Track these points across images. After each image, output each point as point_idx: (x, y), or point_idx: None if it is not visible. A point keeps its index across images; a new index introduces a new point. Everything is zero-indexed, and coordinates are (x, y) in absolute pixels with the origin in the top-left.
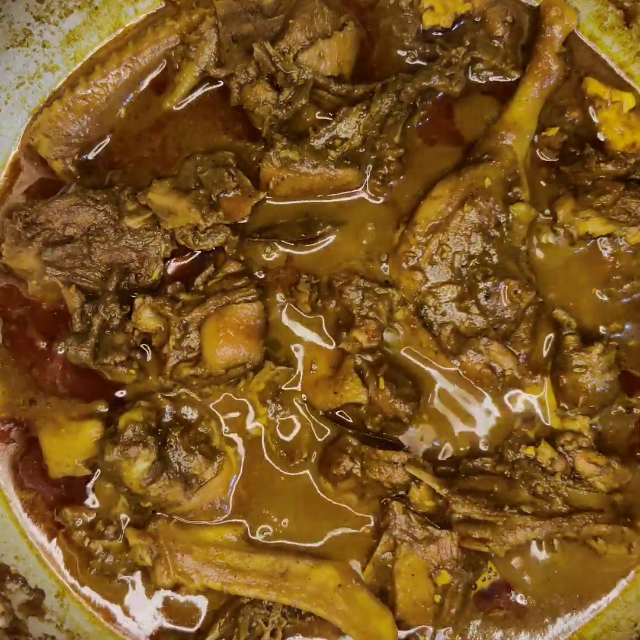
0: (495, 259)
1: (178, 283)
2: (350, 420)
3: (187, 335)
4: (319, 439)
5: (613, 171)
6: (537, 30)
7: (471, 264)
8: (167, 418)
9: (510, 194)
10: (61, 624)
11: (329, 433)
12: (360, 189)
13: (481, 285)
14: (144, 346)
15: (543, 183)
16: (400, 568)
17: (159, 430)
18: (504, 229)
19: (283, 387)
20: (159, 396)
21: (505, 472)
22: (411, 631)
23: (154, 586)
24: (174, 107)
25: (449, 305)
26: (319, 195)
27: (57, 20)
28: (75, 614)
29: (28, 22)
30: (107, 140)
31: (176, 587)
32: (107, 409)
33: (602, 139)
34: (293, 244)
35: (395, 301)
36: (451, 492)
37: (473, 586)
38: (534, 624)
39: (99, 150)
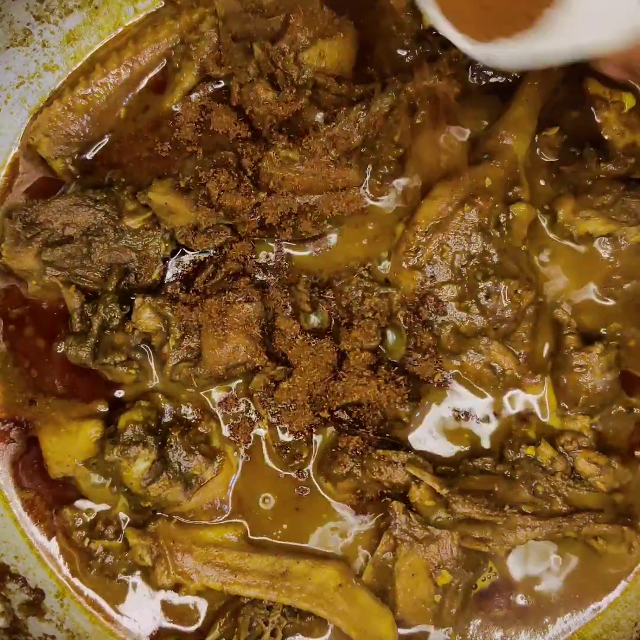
0: (495, 259)
1: (178, 283)
2: (351, 420)
3: (187, 335)
4: (319, 439)
5: (613, 171)
6: None
7: (471, 263)
8: (167, 418)
9: (510, 193)
10: (61, 624)
11: (329, 433)
12: (360, 189)
13: (481, 285)
14: (144, 346)
15: (543, 183)
16: (400, 568)
17: (159, 430)
18: (504, 228)
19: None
20: (159, 396)
21: (506, 472)
22: (412, 630)
23: (154, 586)
24: (174, 107)
25: (449, 304)
26: (319, 195)
27: (57, 19)
28: (75, 614)
29: (28, 22)
30: (107, 139)
31: (176, 587)
32: (107, 409)
33: (603, 138)
34: (294, 244)
35: (395, 301)
36: (451, 492)
37: (473, 586)
38: (534, 624)
39: (99, 149)
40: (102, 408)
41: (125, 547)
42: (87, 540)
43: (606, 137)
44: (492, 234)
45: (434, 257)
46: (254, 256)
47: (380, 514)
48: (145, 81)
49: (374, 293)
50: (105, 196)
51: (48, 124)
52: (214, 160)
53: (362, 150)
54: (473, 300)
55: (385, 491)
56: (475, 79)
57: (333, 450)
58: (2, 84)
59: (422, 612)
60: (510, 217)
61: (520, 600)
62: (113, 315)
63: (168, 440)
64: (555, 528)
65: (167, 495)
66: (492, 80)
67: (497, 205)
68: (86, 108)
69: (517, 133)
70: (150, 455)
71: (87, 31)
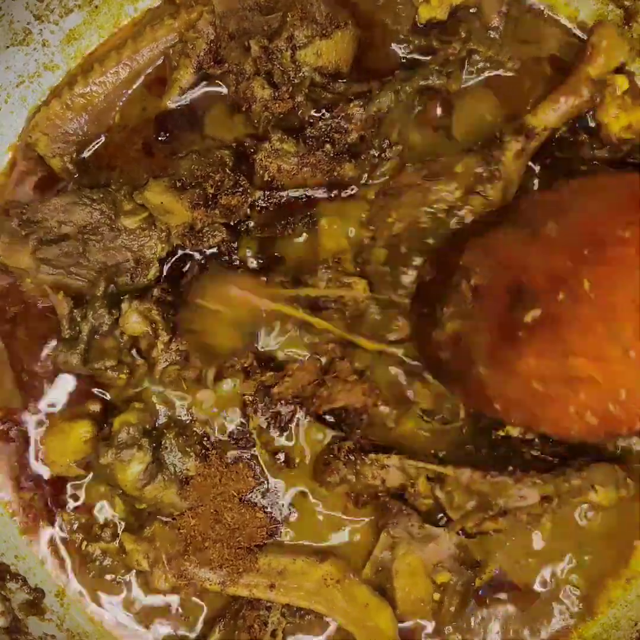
0: (431, 241)
1: (164, 286)
2: (342, 424)
3: (175, 338)
4: (312, 444)
5: (607, 157)
6: (583, 51)
7: (408, 235)
8: (162, 420)
9: (479, 188)
10: (61, 623)
11: (321, 437)
12: (357, 185)
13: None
14: (134, 350)
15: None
16: (398, 567)
17: (154, 431)
18: (453, 218)
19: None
20: (154, 398)
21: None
22: (409, 623)
23: (152, 590)
24: (172, 105)
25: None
26: (316, 190)
27: (57, 19)
28: (75, 614)
29: (28, 21)
30: (104, 138)
31: (174, 590)
32: (99, 408)
33: (594, 123)
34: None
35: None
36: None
37: (472, 583)
38: (535, 620)
39: (96, 149)
40: (95, 408)
41: (122, 550)
42: (84, 543)
43: (604, 121)
44: (439, 216)
45: (386, 219)
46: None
47: (379, 513)
48: (143, 80)
49: (338, 283)
50: (102, 195)
51: (46, 122)
52: (210, 160)
53: (359, 147)
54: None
55: (380, 494)
56: (473, 72)
57: (325, 457)
58: (2, 84)
59: (421, 610)
60: (462, 211)
61: (520, 596)
62: (102, 320)
63: (163, 442)
64: (560, 478)
65: (163, 497)
66: (488, 74)
67: (457, 191)
68: (84, 107)
69: (525, 139)
70: (145, 458)
71: (87, 31)
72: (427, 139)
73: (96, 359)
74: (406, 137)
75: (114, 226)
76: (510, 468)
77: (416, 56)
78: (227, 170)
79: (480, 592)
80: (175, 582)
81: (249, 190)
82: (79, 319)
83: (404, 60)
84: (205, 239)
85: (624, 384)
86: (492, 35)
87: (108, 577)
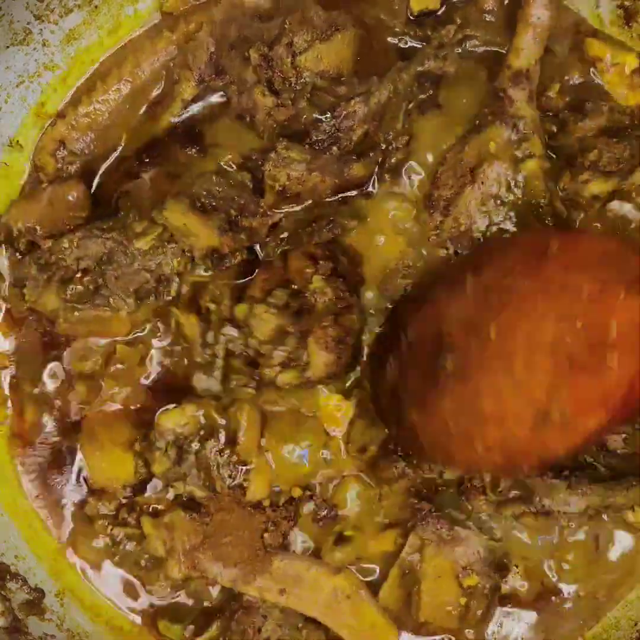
0: (512, 224)
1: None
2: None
3: (296, 347)
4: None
5: (593, 125)
6: None
7: (489, 232)
8: (202, 431)
9: (518, 153)
10: (61, 623)
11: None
12: (370, 183)
13: None
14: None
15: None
16: (426, 569)
17: (191, 439)
18: (518, 190)
19: None
20: (211, 408)
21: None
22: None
23: (166, 578)
24: (174, 119)
25: None
26: (329, 193)
27: (57, 19)
28: (75, 614)
29: (28, 21)
30: (111, 157)
31: (186, 581)
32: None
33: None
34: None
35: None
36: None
37: (498, 587)
38: (553, 627)
39: (102, 176)
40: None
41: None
42: (110, 527)
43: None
44: (506, 198)
45: (452, 231)
46: None
47: (409, 515)
48: (145, 95)
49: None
50: (111, 224)
51: (53, 145)
52: (230, 181)
53: (366, 144)
54: None
55: (439, 487)
56: (468, 53)
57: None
58: (1, 83)
59: (447, 614)
60: (521, 176)
61: (541, 602)
62: (234, 336)
63: (187, 453)
64: (608, 493)
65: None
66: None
67: (506, 167)
68: (90, 125)
69: (520, 85)
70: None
71: (87, 31)
72: (430, 124)
73: (230, 380)
74: (410, 125)
75: (127, 251)
76: (566, 473)
77: (414, 45)
78: (248, 193)
79: (503, 597)
80: (188, 573)
81: (269, 213)
82: (210, 342)
83: (402, 53)
84: (226, 261)
85: (517, 419)
86: (487, 18)
87: (131, 562)
